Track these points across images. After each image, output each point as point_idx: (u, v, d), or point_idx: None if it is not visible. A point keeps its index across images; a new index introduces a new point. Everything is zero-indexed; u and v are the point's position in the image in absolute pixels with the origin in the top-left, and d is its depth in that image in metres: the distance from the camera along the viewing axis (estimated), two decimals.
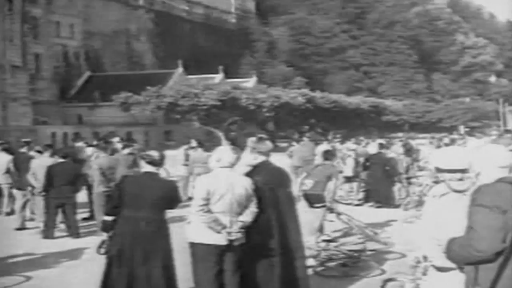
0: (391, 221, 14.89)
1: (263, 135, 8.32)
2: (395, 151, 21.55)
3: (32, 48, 65.50)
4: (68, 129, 63.63)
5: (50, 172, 13.42)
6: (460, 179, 4.94)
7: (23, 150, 17.29)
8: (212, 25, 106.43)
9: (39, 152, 15.62)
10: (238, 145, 10.78)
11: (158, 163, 7.76)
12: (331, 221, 12.08)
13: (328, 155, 12.45)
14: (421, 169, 23.65)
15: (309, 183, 11.39)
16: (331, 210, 11.68)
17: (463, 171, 4.89)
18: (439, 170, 5.09)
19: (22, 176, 14.83)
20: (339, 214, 12.04)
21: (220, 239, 6.99)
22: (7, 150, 16.72)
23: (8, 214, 16.63)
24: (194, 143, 20.21)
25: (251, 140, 7.81)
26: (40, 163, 14.04)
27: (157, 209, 7.50)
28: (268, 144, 7.77)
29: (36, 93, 63.83)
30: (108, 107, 67.07)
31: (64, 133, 62.01)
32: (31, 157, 15.07)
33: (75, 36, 79.25)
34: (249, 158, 7.64)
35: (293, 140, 23.20)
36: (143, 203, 7.41)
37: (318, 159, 22.37)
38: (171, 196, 7.66)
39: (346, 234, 12.54)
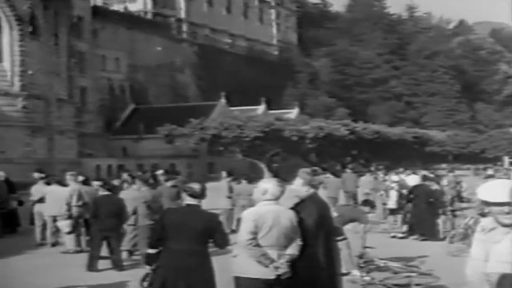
0: (436, 254, 14.65)
1: (317, 168, 8.31)
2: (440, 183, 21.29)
3: (78, 82, 66.69)
4: (113, 162, 64.31)
5: (96, 204, 13.55)
6: (508, 213, 4.85)
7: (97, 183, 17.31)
8: (254, 57, 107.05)
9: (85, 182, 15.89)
10: (281, 176, 10.77)
11: (199, 195, 7.78)
12: (361, 266, 11.89)
13: (367, 203, 12.38)
14: (465, 200, 23.36)
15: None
16: (360, 257, 11.58)
17: (511, 204, 4.79)
18: (486, 203, 5.00)
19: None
20: (371, 261, 11.91)
21: (268, 273, 6.93)
22: (60, 183, 16.90)
23: (53, 245, 16.79)
24: (224, 174, 20.21)
25: (303, 172, 7.77)
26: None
27: (199, 241, 7.49)
28: (321, 177, 7.76)
29: (82, 126, 64.79)
30: (152, 139, 67.69)
31: (109, 165, 62.69)
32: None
33: (120, 70, 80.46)
34: (301, 189, 7.60)
35: (328, 171, 23.04)
36: (186, 235, 7.41)
37: (362, 190, 22.33)
38: (212, 228, 7.65)
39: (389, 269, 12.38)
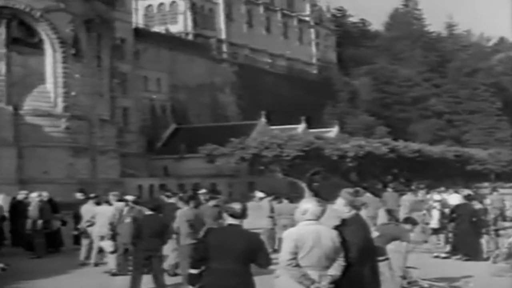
0: (479, 274, 14.51)
1: (359, 188, 8.34)
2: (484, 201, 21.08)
3: (120, 102, 67.40)
4: (154, 181, 64.84)
5: (139, 224, 13.66)
6: None
7: (171, 200, 17.46)
8: (294, 76, 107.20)
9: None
10: (321, 196, 10.82)
11: (240, 215, 7.85)
12: (405, 287, 11.82)
13: (409, 221, 12.31)
14: (508, 219, 23.07)
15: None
16: (404, 277, 11.52)
17: None
18: None
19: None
20: (414, 282, 11.85)
21: None
22: (109, 203, 17.11)
23: (96, 265, 17.01)
24: (260, 194, 20.26)
25: (346, 192, 7.81)
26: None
27: (242, 261, 7.54)
28: (363, 198, 7.80)
29: (124, 146, 65.42)
30: (193, 159, 68.07)
31: (151, 185, 63.20)
32: (177, 207, 15.23)
33: (161, 90, 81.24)
34: (343, 210, 7.63)
35: (368, 190, 22.94)
36: (228, 255, 7.47)
37: (403, 209, 22.21)
38: (255, 248, 7.70)
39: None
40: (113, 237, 15.86)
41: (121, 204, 16.34)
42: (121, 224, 15.66)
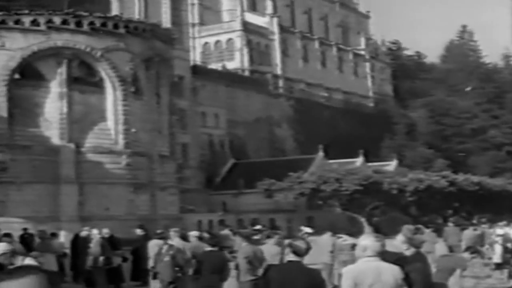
0: None
1: (421, 226, 8.33)
2: None
3: (179, 138, 68.06)
4: (213, 217, 65.16)
5: (199, 260, 13.76)
6: None
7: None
8: (351, 110, 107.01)
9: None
10: (381, 231, 10.80)
11: (304, 253, 7.89)
12: None
13: (471, 249, 12.15)
14: None
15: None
16: None
17: None
18: None
19: None
20: None
21: None
22: (184, 238, 17.24)
23: None
24: (307, 229, 20.21)
25: (407, 229, 7.80)
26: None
27: None
28: (423, 235, 7.78)
29: (183, 182, 65.91)
30: (252, 194, 68.23)
31: (210, 220, 63.52)
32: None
33: (220, 125, 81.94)
34: (401, 247, 7.62)
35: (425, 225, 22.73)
36: None
37: (465, 244, 21.89)
38: (315, 285, 7.72)
39: None
40: (155, 275, 15.97)
41: (160, 241, 16.45)
42: (160, 262, 15.71)
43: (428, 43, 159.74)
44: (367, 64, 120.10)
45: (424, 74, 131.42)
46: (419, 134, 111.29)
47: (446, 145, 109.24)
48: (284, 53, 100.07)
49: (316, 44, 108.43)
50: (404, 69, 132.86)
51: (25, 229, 33.38)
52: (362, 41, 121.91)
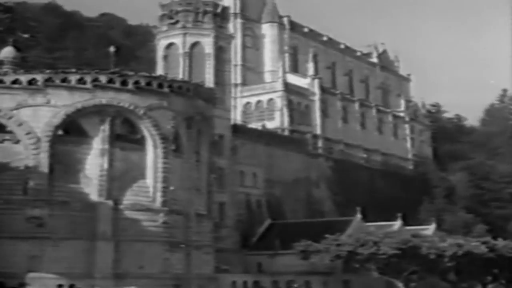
0: None
1: None
2: None
3: (217, 197, 67.93)
4: (248, 278, 64.62)
5: None
6: None
7: None
8: (389, 172, 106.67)
9: None
10: None
11: None
12: None
13: None
14: None
15: None
16: None
17: None
18: None
19: None
20: None
21: None
22: None
23: None
24: None
25: None
26: None
27: None
28: None
29: (219, 241, 65.48)
30: (288, 255, 67.65)
31: (244, 281, 63.04)
32: None
33: (257, 185, 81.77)
34: None
35: None
36: None
37: None
38: None
39: None
40: None
41: None
42: None
43: (467, 106, 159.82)
44: (407, 126, 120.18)
45: (464, 137, 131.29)
46: (459, 198, 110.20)
47: (486, 210, 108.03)
48: (324, 113, 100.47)
49: (356, 106, 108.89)
50: (443, 132, 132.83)
51: (60, 285, 33.56)
52: (402, 103, 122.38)
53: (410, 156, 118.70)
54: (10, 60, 63.78)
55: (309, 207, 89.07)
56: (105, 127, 52.82)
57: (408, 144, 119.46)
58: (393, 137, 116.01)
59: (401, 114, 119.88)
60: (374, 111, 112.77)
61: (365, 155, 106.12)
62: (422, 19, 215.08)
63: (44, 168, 50.51)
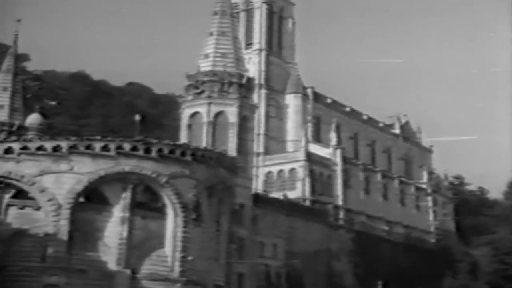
0: None
1: None
2: None
3: (236, 268, 67.34)
4: None
5: None
6: None
7: None
8: (412, 245, 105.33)
9: None
10: None
11: None
12: None
13: None
14: None
15: None
16: None
17: None
18: None
19: None
20: None
21: None
22: None
23: None
24: None
25: None
26: None
27: None
28: None
29: None
30: None
31: None
32: None
33: (277, 256, 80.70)
34: None
35: None
36: None
37: None
38: None
39: None
40: None
41: None
42: None
43: (490, 179, 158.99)
44: (429, 198, 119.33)
45: (487, 210, 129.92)
46: (482, 273, 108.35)
47: (510, 286, 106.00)
48: (346, 184, 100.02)
49: (379, 176, 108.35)
50: (466, 204, 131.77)
51: None
52: (425, 174, 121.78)
53: (432, 229, 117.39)
54: (36, 126, 64.73)
55: (329, 280, 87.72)
56: (127, 195, 52.90)
57: (431, 217, 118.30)
58: (415, 210, 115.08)
59: (424, 186, 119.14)
60: (396, 182, 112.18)
61: (387, 228, 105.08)
62: (445, 91, 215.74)
63: (64, 235, 50.41)
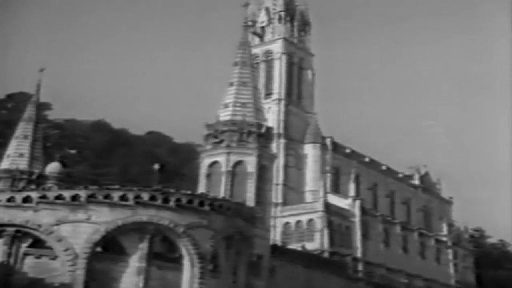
0: None
1: None
2: None
3: None
4: None
5: None
6: None
7: None
8: None
9: None
10: None
11: None
12: None
13: None
14: None
15: None
16: None
17: None
18: None
19: None
20: None
21: None
22: None
23: None
24: None
25: None
26: None
27: None
28: None
29: None
30: None
31: None
32: None
33: None
34: None
35: None
36: None
37: None
38: None
39: None
40: None
41: None
42: None
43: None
44: (450, 251, 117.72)
45: (508, 263, 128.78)
46: None
47: None
48: (365, 236, 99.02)
49: (398, 228, 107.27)
50: (487, 257, 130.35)
51: None
52: (444, 226, 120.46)
53: (453, 282, 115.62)
54: (55, 175, 64.81)
55: None
56: (144, 245, 52.45)
57: (451, 270, 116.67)
58: (435, 262, 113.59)
59: (444, 239, 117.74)
60: (416, 234, 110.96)
61: (406, 280, 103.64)
62: (465, 143, 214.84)
63: (79, 285, 49.84)
